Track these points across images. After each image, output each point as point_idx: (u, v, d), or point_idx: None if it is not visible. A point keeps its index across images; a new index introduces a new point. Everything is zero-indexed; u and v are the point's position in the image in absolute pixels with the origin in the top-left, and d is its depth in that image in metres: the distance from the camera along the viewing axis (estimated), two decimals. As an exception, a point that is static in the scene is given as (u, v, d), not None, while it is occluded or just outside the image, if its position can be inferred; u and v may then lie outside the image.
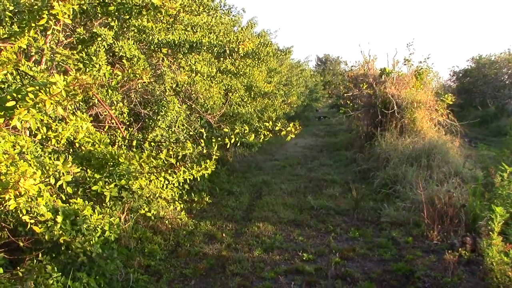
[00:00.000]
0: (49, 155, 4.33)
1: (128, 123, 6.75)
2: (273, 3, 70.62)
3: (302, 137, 18.79)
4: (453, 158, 9.67)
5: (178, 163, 4.69)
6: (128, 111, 6.65)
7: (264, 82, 13.59)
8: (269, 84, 14.06)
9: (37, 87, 3.26)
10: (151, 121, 7.06)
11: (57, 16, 3.71)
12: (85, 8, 4.37)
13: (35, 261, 3.89)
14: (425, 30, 61.47)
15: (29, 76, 4.42)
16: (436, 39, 59.42)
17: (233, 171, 11.06)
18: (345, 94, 14.33)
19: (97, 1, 4.19)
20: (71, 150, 4.82)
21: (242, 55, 8.30)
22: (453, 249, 5.30)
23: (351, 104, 13.95)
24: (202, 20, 7.62)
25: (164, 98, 7.32)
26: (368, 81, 12.78)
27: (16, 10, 3.94)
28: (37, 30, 4.11)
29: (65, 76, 3.25)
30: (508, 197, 4.87)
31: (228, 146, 5.67)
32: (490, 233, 3.91)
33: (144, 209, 5.22)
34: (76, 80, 3.28)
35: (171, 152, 4.81)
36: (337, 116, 22.99)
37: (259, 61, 8.94)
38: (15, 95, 3.35)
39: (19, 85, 3.95)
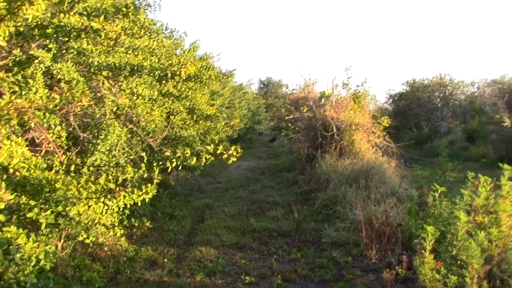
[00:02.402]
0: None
1: (66, 147, 6.58)
2: (216, 27, 71.31)
3: (245, 159, 18.87)
4: (390, 178, 10.02)
5: (118, 187, 4.61)
6: (66, 134, 6.48)
7: (207, 104, 13.62)
8: (211, 107, 14.10)
9: (-32, 111, 3.15)
10: (90, 144, 6.91)
11: (-10, 38, 3.62)
12: (22, 30, 4.28)
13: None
14: (362, 54, 64.02)
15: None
16: (372, 63, 61.83)
17: (175, 195, 10.95)
18: (287, 117, 14.58)
19: (34, 24, 4.10)
20: (4, 175, 4.64)
21: (184, 78, 8.32)
22: (390, 268, 5.48)
23: (292, 127, 14.20)
24: (143, 43, 7.59)
25: (104, 122, 7.19)
26: (308, 104, 13.08)
27: None
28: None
29: (-1, 100, 3.16)
30: (440, 215, 5.10)
31: (169, 170, 5.64)
32: (423, 251, 4.07)
33: (82, 236, 5.08)
34: (11, 103, 3.19)
35: (110, 177, 4.72)
36: (279, 138, 23.31)
37: (202, 84, 8.99)
38: None
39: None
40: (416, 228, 6.39)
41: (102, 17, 4.06)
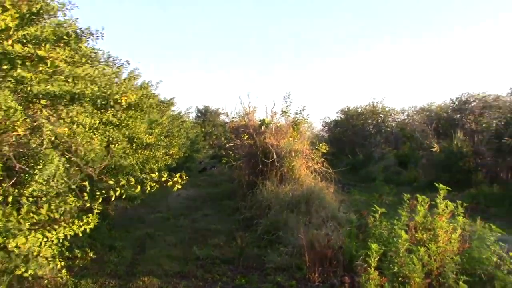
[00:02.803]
0: None
1: (1, 178, 6.34)
2: (153, 55, 71.01)
3: (185, 188, 18.62)
4: (329, 203, 10.32)
5: (62, 217, 4.52)
6: (1, 165, 6.27)
7: (146, 133, 13.53)
8: (150, 135, 14.01)
9: None
10: (27, 175, 6.69)
11: None
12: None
13: None
14: (300, 83, 65.84)
15: None
16: (308, 91, 63.56)
17: (115, 225, 10.69)
18: (227, 145, 14.72)
19: (-25, 52, 4.02)
20: None
21: (124, 106, 8.28)
22: (333, 290, 5.65)
23: (232, 155, 14.33)
24: (84, 71, 7.51)
25: (42, 151, 7.01)
26: (248, 131, 13.29)
27: None
28: None
29: None
30: (380, 235, 5.35)
31: (112, 199, 5.58)
32: (368, 268, 4.26)
33: (20, 270, 4.90)
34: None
35: (52, 207, 4.62)
36: (218, 167, 23.35)
37: (142, 113, 8.96)
38: None
39: None
40: (357, 250, 6.63)
41: (47, 45, 4.05)
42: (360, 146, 28.73)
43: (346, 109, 31.29)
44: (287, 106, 14.22)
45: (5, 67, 4.55)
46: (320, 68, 70.10)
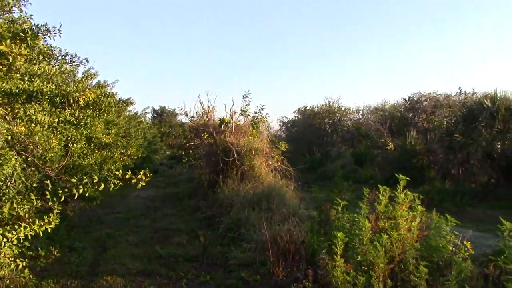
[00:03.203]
0: None
1: (-44, 179, 6.14)
2: (109, 53, 69.49)
3: (143, 188, 18.43)
4: (289, 200, 10.47)
5: (27, 215, 4.44)
6: (-44, 165, 6.07)
7: (103, 134, 13.32)
8: (108, 135, 13.80)
9: None
10: (-17, 175, 6.50)
11: None
12: None
13: None
14: (258, 81, 66.09)
15: None
16: (267, 90, 63.93)
17: (73, 226, 10.50)
18: (187, 144, 14.67)
19: None
20: None
21: (83, 105, 8.15)
22: (298, 282, 5.75)
23: (192, 154, 14.31)
24: (40, 69, 7.36)
25: (-3, 151, 6.81)
26: (208, 130, 13.31)
27: None
28: None
29: None
30: (343, 227, 5.50)
31: (75, 197, 5.50)
32: (334, 256, 4.40)
33: (-19, 270, 4.78)
34: None
35: (15, 205, 4.53)
36: (177, 167, 23.23)
37: (101, 112, 8.82)
38: None
39: None
40: (318, 244, 6.78)
41: (8, 41, 3.96)
42: (317, 145, 29.19)
43: (303, 109, 31.74)
44: (246, 105, 14.35)
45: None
46: (277, 67, 70.55)
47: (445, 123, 20.19)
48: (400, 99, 25.93)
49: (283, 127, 33.19)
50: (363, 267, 4.28)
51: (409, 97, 24.07)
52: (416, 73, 61.37)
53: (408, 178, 5.24)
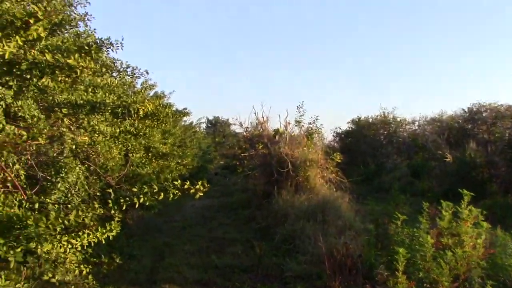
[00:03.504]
0: None
1: (24, 186, 6.42)
2: (165, 65, 71.28)
3: (199, 198, 18.73)
4: (345, 212, 10.29)
5: (91, 222, 4.57)
6: (24, 173, 6.34)
7: (160, 143, 13.63)
8: (164, 145, 14.11)
9: None
10: (49, 183, 6.76)
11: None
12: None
13: None
14: (311, 92, 65.77)
15: None
16: (319, 101, 63.46)
17: (132, 234, 10.75)
18: (241, 154, 14.75)
19: (8, 60, 4.10)
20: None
21: (142, 116, 8.36)
22: (356, 297, 5.63)
23: (247, 164, 14.37)
24: (103, 81, 7.62)
25: (62, 160, 7.08)
26: (263, 141, 13.32)
27: None
28: None
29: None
30: (403, 242, 5.34)
31: (136, 206, 5.62)
32: (396, 272, 4.26)
33: (48, 275, 4.94)
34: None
35: (80, 213, 4.67)
36: (231, 177, 23.41)
37: (159, 122, 9.02)
38: None
39: None
40: (376, 258, 6.62)
41: (76, 55, 4.12)
42: (372, 156, 28.59)
43: (357, 120, 31.21)
44: (301, 115, 14.28)
45: (32, 76, 4.62)
46: (330, 78, 70.05)
47: (507, 135, 19.32)
48: (458, 109, 25.06)
49: (337, 137, 32.77)
50: (425, 285, 4.12)
51: (468, 108, 23.21)
52: (475, 83, 59.26)
53: (472, 194, 5.02)
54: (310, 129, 14.17)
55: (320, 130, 14.73)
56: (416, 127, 29.83)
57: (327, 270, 6.87)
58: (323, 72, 72.86)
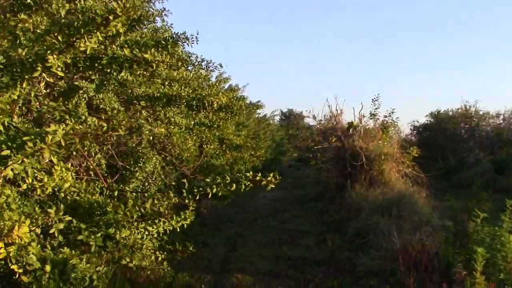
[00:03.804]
0: (34, 205, 4.32)
1: (105, 175, 6.76)
2: (240, 59, 72.16)
3: (271, 190, 18.83)
4: (421, 208, 9.95)
5: (166, 211, 4.74)
6: (105, 162, 6.68)
7: (234, 135, 13.86)
8: (238, 137, 14.33)
9: (33, 136, 3.32)
10: (128, 172, 7.08)
11: (51, 69, 3.83)
12: (75, 61, 4.50)
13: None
14: (385, 86, 63.93)
15: (12, 127, 4.46)
16: (395, 94, 61.55)
17: (206, 223, 11.02)
18: (315, 147, 14.67)
19: (89, 55, 4.32)
20: (54, 200, 4.81)
21: (216, 108, 8.52)
22: (430, 295, 5.45)
23: (320, 157, 14.28)
24: (179, 74, 7.85)
25: (140, 150, 7.38)
26: (336, 134, 13.17)
27: (7, 63, 4.04)
28: (29, 82, 4.21)
29: (63, 126, 3.33)
30: (483, 241, 5.10)
31: (209, 196, 5.75)
32: (474, 272, 4.09)
33: (125, 260, 5.19)
34: (73, 130, 3.37)
35: (156, 202, 4.86)
36: (303, 169, 23.36)
37: (232, 115, 9.16)
38: (10, 144, 3.38)
39: (12, 135, 3.98)
40: (453, 256, 6.36)
41: (153, 50, 4.28)
42: (452, 151, 27.37)
43: (436, 113, 29.98)
44: (376, 108, 13.96)
45: (112, 70, 4.85)
46: (408, 70, 67.85)
47: None
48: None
49: (414, 131, 31.67)
50: (506, 286, 3.91)
51: (560, 99, 21.65)
52: None
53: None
54: (385, 122, 13.83)
55: (396, 123, 14.36)
56: (501, 121, 28.25)
57: (401, 266, 6.70)
58: (401, 65, 70.69)
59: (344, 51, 76.35)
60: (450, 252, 6.51)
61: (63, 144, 3.24)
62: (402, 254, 6.80)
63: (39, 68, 3.83)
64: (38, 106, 4.87)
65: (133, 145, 7.46)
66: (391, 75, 69.13)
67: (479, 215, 5.61)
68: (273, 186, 5.81)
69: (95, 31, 3.78)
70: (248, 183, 5.74)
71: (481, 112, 28.29)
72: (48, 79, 4.83)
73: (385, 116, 14.11)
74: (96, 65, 4.45)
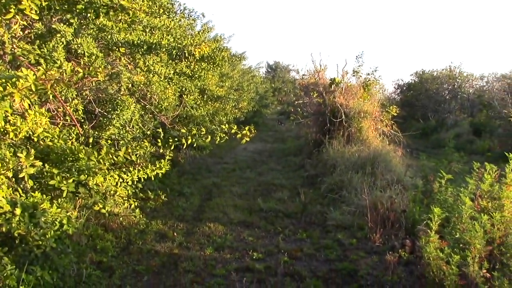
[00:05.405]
0: (6, 149, 4.34)
1: (82, 121, 6.75)
2: (227, 8, 70.56)
3: (252, 142, 18.96)
4: (395, 166, 10.15)
5: (138, 160, 4.80)
6: (82, 108, 6.65)
7: (216, 86, 13.80)
8: (221, 88, 14.28)
9: (4, 80, 3.30)
10: (105, 119, 7.08)
11: (24, 11, 3.76)
12: (51, 4, 4.41)
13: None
14: (371, 42, 63.37)
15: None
16: (381, 52, 61.25)
17: (184, 173, 11.15)
18: (296, 102, 14.69)
19: (64, -1, 4.25)
20: (28, 144, 4.82)
21: (198, 58, 8.43)
22: (394, 251, 5.66)
23: (301, 112, 14.33)
24: (161, 22, 7.72)
25: (119, 97, 7.35)
26: (318, 90, 13.16)
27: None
28: (2, 24, 4.13)
29: (34, 71, 3.32)
30: (445, 201, 5.27)
31: (184, 147, 5.82)
32: (428, 231, 4.26)
33: (98, 206, 5.27)
34: (45, 75, 3.35)
35: (129, 150, 4.91)
36: (285, 123, 23.49)
37: (215, 65, 9.09)
38: (-21, 87, 3.36)
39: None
40: (420, 215, 6.57)
41: (130, -5, 4.21)
42: (433, 111, 27.62)
43: (421, 72, 30.01)
44: (359, 66, 13.89)
45: (89, 15, 4.76)
46: (394, 27, 67.22)
47: None
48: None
49: (398, 90, 31.77)
50: (460, 245, 4.10)
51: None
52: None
53: (525, 156, 4.81)
54: (367, 80, 13.82)
55: (378, 81, 14.36)
56: (484, 84, 28.42)
57: (369, 222, 6.93)
58: (387, 24, 69.92)
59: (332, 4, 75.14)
60: (418, 211, 6.71)
61: (33, 89, 3.24)
62: (370, 210, 7.01)
63: (12, 10, 3.76)
64: (12, 49, 4.80)
65: (113, 91, 7.42)
66: (381, 33, 68.51)
67: (443, 176, 5.77)
68: (248, 140, 5.88)
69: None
70: (223, 135, 5.81)
71: (465, 74, 28.35)
72: (22, 22, 4.73)
73: (368, 74, 14.11)
74: (74, 9, 4.36)
